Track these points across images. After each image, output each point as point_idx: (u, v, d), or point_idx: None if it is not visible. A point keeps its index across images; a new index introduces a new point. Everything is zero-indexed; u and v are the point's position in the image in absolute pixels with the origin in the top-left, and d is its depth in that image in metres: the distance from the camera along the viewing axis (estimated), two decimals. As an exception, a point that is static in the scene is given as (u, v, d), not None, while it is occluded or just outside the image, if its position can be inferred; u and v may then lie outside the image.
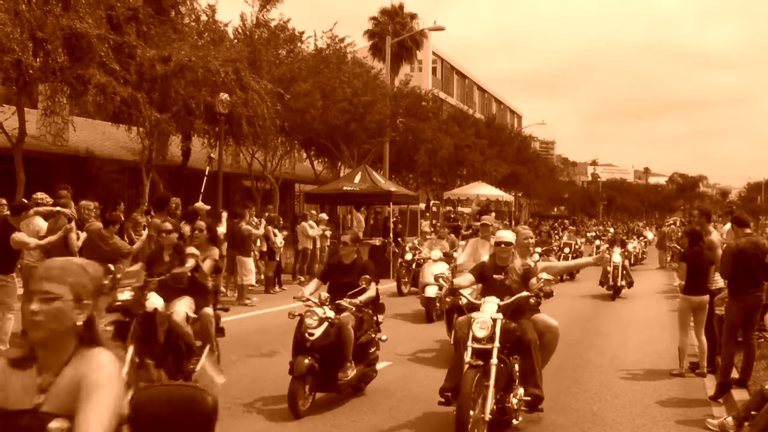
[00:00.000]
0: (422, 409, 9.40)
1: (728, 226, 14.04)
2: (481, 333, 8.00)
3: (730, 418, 8.74)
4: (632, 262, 32.70)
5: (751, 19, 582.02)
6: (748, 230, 11.13)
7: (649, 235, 53.94)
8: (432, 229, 23.18)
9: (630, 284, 24.63)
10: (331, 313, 9.32)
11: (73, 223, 13.03)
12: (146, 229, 16.54)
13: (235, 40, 29.00)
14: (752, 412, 8.35)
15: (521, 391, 8.47)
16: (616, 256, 23.70)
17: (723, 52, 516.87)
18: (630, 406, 9.96)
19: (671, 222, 43.53)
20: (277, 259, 22.37)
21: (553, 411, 9.50)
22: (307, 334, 9.17)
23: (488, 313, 8.17)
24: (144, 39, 22.15)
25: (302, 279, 24.11)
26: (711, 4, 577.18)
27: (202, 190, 21.08)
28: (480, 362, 7.84)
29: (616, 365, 12.71)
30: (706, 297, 11.57)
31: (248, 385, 10.50)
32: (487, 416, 7.64)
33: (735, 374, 10.62)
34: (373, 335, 10.29)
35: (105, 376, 2.88)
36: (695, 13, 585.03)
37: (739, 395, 9.90)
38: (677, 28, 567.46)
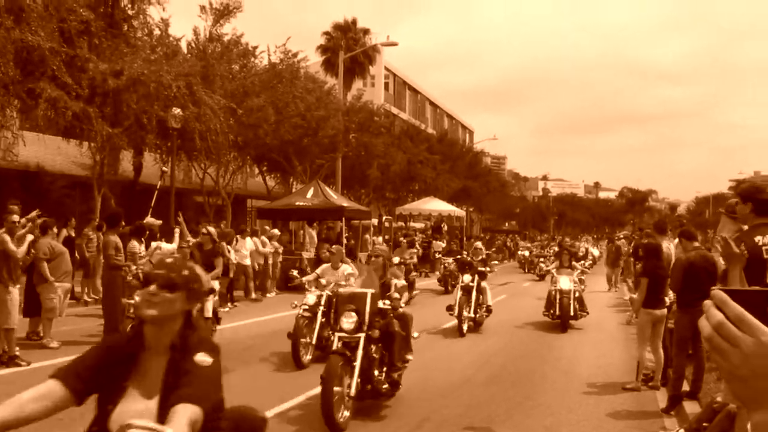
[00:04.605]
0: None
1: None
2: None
3: (682, 431, 8.85)
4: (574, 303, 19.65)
5: (701, 34, 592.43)
6: (696, 243, 11.32)
7: (595, 252, 51.74)
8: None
9: None
10: None
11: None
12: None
13: (189, 55, 28.90)
14: (704, 424, 8.46)
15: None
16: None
17: (672, 67, 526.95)
18: (584, 420, 10.05)
19: (621, 236, 43.35)
20: (231, 275, 22.23)
21: (506, 426, 9.58)
22: None
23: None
24: (96, 52, 22.00)
25: (255, 296, 23.98)
26: (662, 19, 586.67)
27: (152, 205, 20.91)
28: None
29: (569, 379, 12.82)
30: (665, 310, 11.73)
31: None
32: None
33: (686, 387, 10.77)
34: None
35: None
36: (646, 27, 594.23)
37: (691, 407, 10.05)
38: (627, 42, 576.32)
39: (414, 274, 26.52)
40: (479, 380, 12.61)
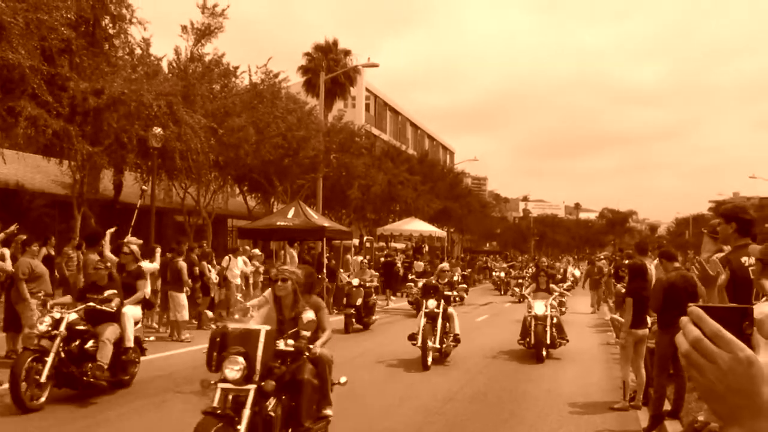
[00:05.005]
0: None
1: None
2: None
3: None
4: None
5: (680, 57, 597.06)
6: (676, 264, 11.37)
7: (576, 272, 51.44)
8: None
9: None
10: None
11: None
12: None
13: (170, 74, 28.85)
14: (685, 443, 8.48)
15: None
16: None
17: (652, 89, 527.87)
18: (566, 439, 10.05)
19: (602, 257, 43.26)
20: (212, 295, 22.16)
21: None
22: None
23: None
24: (77, 71, 21.93)
25: (237, 316, 23.81)
26: (641, 42, 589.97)
27: (132, 224, 20.81)
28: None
29: (552, 398, 12.82)
30: (647, 330, 11.78)
31: (179, 419, 10.37)
32: None
33: (667, 406, 10.79)
34: None
35: None
36: (625, 50, 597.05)
37: (672, 427, 10.07)
38: (607, 64, 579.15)
39: (374, 297, 25.74)
40: (461, 399, 12.59)
